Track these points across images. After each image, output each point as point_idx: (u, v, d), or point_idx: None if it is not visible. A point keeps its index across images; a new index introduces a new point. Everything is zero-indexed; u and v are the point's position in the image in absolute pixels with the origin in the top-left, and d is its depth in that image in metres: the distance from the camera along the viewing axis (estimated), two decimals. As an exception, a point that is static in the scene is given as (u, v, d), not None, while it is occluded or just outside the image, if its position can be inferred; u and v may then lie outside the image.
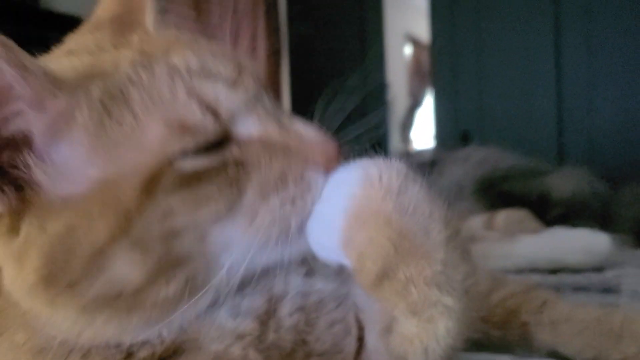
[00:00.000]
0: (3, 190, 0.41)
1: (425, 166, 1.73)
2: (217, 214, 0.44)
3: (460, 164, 1.75)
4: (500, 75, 2.98)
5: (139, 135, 0.43)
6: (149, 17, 0.57)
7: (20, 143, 0.42)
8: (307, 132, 0.49)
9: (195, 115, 0.44)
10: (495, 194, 1.61)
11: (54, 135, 0.42)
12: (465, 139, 2.83)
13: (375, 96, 3.24)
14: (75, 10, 2.67)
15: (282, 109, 0.51)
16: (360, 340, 0.49)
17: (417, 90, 4.96)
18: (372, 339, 0.48)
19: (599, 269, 1.12)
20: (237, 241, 0.46)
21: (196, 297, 0.45)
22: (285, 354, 0.48)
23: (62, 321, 0.43)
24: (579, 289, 1.00)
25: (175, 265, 0.43)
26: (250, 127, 0.47)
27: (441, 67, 3.18)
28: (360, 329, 0.50)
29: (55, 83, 0.42)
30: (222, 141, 0.46)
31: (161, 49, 0.48)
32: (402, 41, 4.97)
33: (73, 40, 0.55)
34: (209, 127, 0.45)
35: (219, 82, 0.47)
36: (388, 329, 0.45)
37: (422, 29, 4.56)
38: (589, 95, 2.83)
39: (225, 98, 0.46)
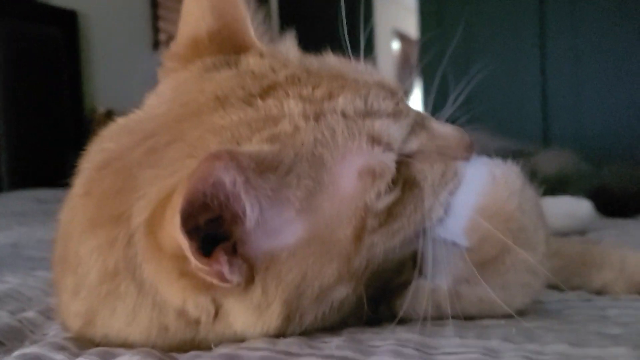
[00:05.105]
0: (233, 264, 0.43)
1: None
2: (406, 235, 0.50)
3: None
4: (487, 67, 3.07)
5: (338, 190, 0.46)
6: (251, 31, 0.56)
7: (235, 221, 0.43)
8: (446, 130, 0.54)
9: (379, 157, 0.47)
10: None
11: (264, 208, 0.43)
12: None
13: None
14: (70, 5, 2.74)
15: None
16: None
17: (405, 83, 5.06)
18: (443, 280, 0.54)
19: (581, 233, 1.22)
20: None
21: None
22: None
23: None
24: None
25: (363, 276, 0.49)
26: (410, 145, 0.51)
27: (429, 60, 3.27)
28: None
29: (264, 167, 0.43)
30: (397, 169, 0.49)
31: (321, 92, 0.49)
32: (390, 37, 5.08)
33: (198, 78, 0.53)
34: (391, 165, 0.48)
35: (386, 118, 0.49)
36: (465, 281, 0.54)
37: (409, 25, 4.67)
38: (574, 87, 2.94)
39: (395, 131, 0.49)
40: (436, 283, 0.54)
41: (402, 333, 0.47)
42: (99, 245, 0.46)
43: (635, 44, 2.85)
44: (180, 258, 0.41)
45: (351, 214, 0.46)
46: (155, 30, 3.21)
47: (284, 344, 0.45)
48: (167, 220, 0.40)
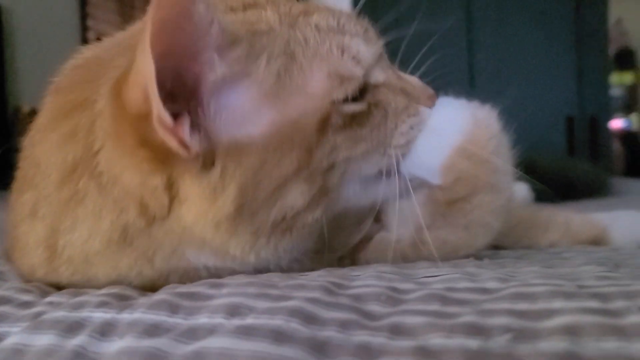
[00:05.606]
0: (194, 132, 0.43)
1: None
2: (367, 149, 0.51)
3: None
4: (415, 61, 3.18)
5: (307, 85, 0.48)
6: None
7: (199, 88, 0.44)
8: (411, 78, 0.58)
9: (348, 65, 0.50)
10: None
11: (230, 83, 0.44)
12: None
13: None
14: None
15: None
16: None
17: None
18: (406, 230, 0.55)
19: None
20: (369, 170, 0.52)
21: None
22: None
23: (234, 247, 0.47)
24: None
25: (324, 195, 0.49)
26: (377, 75, 0.54)
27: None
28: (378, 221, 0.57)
29: (236, 34, 0.45)
30: (363, 89, 0.51)
31: (297, 9, 0.52)
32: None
33: None
34: (359, 76, 0.50)
35: (356, 38, 0.52)
36: (428, 227, 0.54)
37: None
38: (497, 87, 3.08)
39: (364, 51, 0.52)
40: (399, 233, 0.55)
41: (378, 267, 0.48)
42: (61, 137, 0.45)
43: (558, 46, 3.02)
44: (143, 117, 0.41)
45: (317, 108, 0.48)
46: (84, 28, 3.09)
47: (264, 277, 0.45)
48: (134, 67, 0.40)
